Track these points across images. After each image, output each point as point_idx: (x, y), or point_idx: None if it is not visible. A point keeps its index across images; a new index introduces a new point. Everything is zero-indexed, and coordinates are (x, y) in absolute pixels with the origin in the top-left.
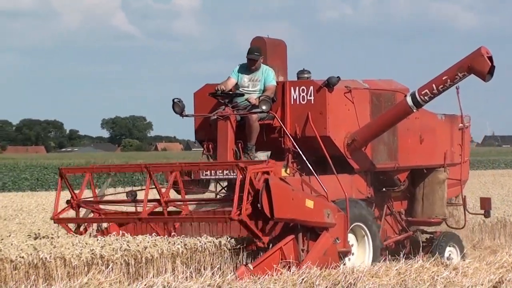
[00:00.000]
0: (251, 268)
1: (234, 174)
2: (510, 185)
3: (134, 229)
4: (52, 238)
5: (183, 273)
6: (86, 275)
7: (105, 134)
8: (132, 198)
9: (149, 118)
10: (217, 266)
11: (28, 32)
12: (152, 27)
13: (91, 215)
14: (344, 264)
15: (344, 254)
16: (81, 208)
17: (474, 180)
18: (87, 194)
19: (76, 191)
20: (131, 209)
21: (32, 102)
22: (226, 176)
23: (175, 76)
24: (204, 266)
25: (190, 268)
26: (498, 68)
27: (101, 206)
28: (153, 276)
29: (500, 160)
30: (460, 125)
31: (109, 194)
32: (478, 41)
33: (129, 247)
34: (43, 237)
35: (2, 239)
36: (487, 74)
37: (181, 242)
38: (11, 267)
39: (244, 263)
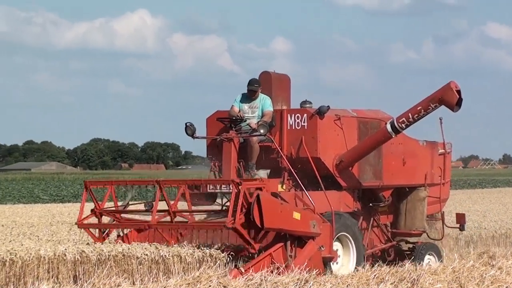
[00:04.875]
0: (243, 270)
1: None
2: None
3: (149, 236)
4: None
5: (278, 269)
6: (198, 270)
7: None
8: (149, 208)
9: None
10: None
11: (152, 70)
12: (252, 66)
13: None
14: (330, 268)
15: (329, 259)
16: (103, 217)
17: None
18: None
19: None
20: (147, 217)
21: (154, 127)
22: (229, 190)
23: None
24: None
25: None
26: None
27: (122, 215)
28: (253, 271)
29: None
30: (442, 150)
31: (131, 205)
32: None
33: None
34: None
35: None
36: (455, 105)
37: None
38: (136, 262)
39: (237, 266)
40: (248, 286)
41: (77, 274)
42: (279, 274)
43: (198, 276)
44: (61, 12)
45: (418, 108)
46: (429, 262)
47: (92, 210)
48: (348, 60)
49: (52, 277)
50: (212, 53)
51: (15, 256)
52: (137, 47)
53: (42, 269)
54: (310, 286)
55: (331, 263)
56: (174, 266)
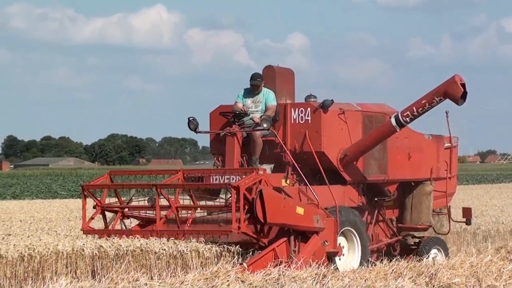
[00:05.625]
0: (246, 266)
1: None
2: None
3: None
4: None
5: (295, 264)
6: (216, 265)
7: None
8: (152, 204)
9: None
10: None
11: (169, 65)
12: (268, 62)
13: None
14: (334, 263)
15: (334, 254)
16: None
17: None
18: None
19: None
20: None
21: (172, 122)
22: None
23: None
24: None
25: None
26: None
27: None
28: (270, 266)
29: None
30: (448, 144)
31: (135, 200)
32: None
33: None
34: None
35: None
36: (460, 98)
37: None
38: (155, 257)
39: (240, 262)
40: (266, 280)
41: (95, 269)
42: (297, 269)
43: (216, 271)
44: (78, 7)
45: (423, 102)
46: (435, 256)
47: (94, 206)
48: (364, 55)
49: (70, 272)
50: (228, 48)
51: (34, 251)
52: (154, 42)
53: (60, 264)
54: (328, 281)
55: (336, 258)
56: (192, 261)
